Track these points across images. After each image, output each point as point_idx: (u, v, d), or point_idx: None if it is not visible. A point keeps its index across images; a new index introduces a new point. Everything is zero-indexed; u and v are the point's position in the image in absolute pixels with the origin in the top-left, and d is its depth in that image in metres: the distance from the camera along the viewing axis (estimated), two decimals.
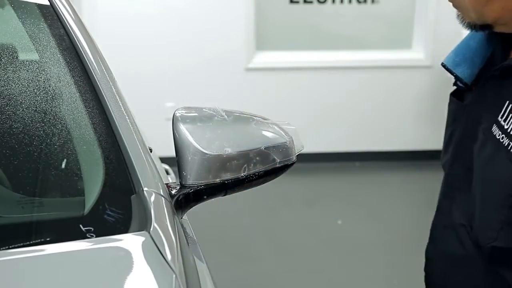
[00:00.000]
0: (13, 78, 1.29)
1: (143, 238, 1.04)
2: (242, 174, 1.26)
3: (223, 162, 1.24)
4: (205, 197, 1.26)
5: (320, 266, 3.42)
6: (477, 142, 1.23)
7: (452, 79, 1.35)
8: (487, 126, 1.21)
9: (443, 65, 1.32)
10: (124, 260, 1.02)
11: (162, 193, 1.17)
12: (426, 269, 1.46)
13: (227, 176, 1.25)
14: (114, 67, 1.46)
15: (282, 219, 4.10)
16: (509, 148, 1.14)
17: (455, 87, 1.37)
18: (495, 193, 1.17)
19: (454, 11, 1.26)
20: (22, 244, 1.03)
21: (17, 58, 1.36)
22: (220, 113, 1.30)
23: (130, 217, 1.11)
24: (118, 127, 1.24)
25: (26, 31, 1.39)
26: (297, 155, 1.37)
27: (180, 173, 1.23)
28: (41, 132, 1.22)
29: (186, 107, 1.29)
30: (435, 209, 1.41)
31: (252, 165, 1.27)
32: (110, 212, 1.11)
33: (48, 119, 1.24)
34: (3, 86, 1.28)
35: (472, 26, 1.24)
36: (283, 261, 3.49)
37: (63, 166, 1.22)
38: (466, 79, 1.29)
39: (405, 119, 5.14)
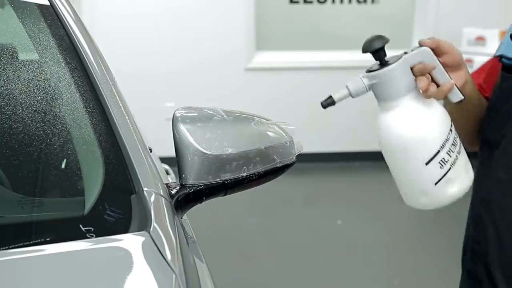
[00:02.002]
0: (13, 78, 1.29)
1: (143, 238, 1.04)
2: (242, 174, 1.26)
3: (223, 162, 1.23)
4: (205, 197, 1.26)
5: (320, 266, 3.41)
6: None
7: None
8: None
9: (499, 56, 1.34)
10: (124, 260, 1.02)
11: (162, 193, 1.17)
12: None
13: (227, 176, 1.25)
14: (114, 67, 1.46)
15: (282, 219, 4.10)
16: None
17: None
18: None
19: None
20: (22, 244, 1.03)
21: (17, 58, 1.35)
22: (220, 113, 1.29)
23: (130, 217, 1.10)
24: (118, 127, 1.24)
25: (26, 31, 1.39)
26: (297, 155, 1.37)
27: (180, 173, 1.23)
28: (41, 132, 1.22)
29: (186, 107, 1.29)
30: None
31: (252, 165, 1.27)
32: (110, 212, 1.11)
33: (48, 119, 1.24)
34: (3, 86, 1.28)
35: None
36: (283, 261, 3.49)
37: (63, 166, 1.22)
38: None
39: None
